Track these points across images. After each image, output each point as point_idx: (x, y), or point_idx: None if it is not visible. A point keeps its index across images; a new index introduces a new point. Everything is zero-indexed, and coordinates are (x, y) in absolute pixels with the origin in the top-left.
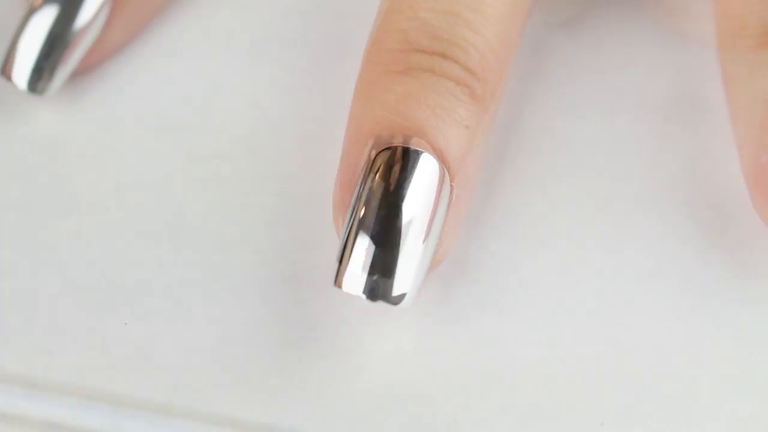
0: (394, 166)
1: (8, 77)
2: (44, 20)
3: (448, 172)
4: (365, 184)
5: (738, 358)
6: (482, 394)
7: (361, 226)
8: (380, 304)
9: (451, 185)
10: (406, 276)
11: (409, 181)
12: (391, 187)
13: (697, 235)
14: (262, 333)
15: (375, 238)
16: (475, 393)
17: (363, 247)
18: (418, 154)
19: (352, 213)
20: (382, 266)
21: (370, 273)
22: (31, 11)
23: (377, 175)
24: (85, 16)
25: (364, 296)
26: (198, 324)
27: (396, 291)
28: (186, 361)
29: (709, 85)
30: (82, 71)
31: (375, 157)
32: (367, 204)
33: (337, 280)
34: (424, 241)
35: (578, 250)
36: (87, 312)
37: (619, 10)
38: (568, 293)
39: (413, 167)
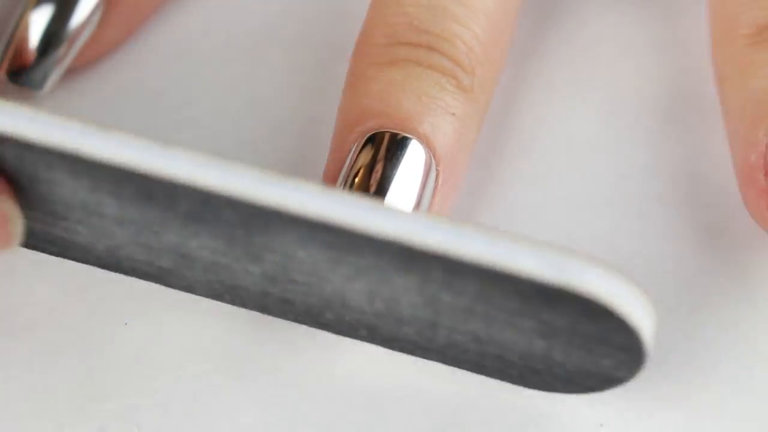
0: (380, 153)
1: (5, 74)
2: (41, 17)
3: (434, 157)
4: (351, 171)
5: (737, 358)
6: (481, 394)
7: None
8: None
9: (437, 170)
10: None
11: (396, 168)
12: (377, 175)
13: (696, 235)
14: (263, 332)
15: None
16: (475, 394)
17: None
18: (403, 140)
19: None
20: None
21: None
22: (27, 9)
23: (362, 162)
24: (80, 13)
25: None
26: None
27: None
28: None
29: (708, 84)
30: (78, 68)
31: (360, 146)
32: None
33: None
34: None
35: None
36: (86, 311)
37: (618, 9)
38: None
39: (399, 154)
